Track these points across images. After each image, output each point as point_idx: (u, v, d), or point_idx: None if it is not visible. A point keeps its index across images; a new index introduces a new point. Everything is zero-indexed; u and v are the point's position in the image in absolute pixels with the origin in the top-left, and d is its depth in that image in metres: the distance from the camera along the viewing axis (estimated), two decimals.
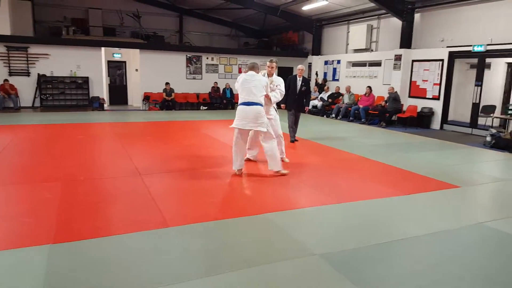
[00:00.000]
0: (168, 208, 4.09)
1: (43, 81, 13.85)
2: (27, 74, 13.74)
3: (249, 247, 3.28)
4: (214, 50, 16.42)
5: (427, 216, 4.14)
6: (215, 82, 15.85)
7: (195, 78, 15.96)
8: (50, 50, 13.86)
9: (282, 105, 7.84)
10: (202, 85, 15.90)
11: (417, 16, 11.67)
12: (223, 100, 15.66)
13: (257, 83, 5.30)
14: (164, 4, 17.52)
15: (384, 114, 11.47)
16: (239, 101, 5.38)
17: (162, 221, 3.72)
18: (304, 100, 8.13)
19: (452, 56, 10.69)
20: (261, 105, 5.29)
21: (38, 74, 13.80)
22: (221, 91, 15.80)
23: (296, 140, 8.34)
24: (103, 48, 14.92)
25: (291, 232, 3.60)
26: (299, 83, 7.97)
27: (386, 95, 11.93)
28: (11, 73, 13.47)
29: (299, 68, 7.99)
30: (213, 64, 16.21)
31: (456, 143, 8.76)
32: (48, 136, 8.58)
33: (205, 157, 6.70)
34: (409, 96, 11.91)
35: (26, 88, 13.74)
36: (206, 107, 15.51)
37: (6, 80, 13.27)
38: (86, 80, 14.42)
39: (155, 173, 5.53)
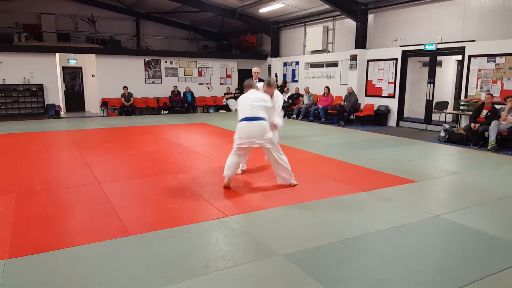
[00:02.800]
0: (128, 216, 4.01)
1: None
2: None
3: (211, 251, 3.27)
4: (173, 54, 16.22)
5: (386, 211, 4.26)
6: (175, 86, 15.66)
7: (154, 82, 15.70)
8: (2, 57, 13.26)
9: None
10: (162, 89, 15.67)
11: (370, 17, 12.08)
12: (184, 104, 15.51)
13: (260, 101, 5.06)
14: (120, 8, 17.11)
15: (342, 113, 11.78)
16: (239, 118, 5.06)
17: (123, 230, 3.66)
18: None
19: (405, 55, 11.17)
20: (265, 119, 4.98)
21: None
22: (181, 95, 15.64)
23: None
24: (57, 54, 14.39)
25: (253, 234, 3.61)
26: None
27: (343, 95, 12.27)
28: None
29: (254, 71, 8.04)
30: (172, 68, 16.01)
31: (412, 139, 9.14)
32: (1, 146, 8.15)
33: (166, 162, 6.63)
34: (366, 95, 12.30)
35: None
36: (167, 111, 15.29)
37: None
38: (40, 87, 13.85)
39: (115, 181, 5.41)
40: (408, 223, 3.89)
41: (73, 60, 15.79)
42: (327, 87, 12.86)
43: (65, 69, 15.83)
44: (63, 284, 2.74)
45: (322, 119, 12.28)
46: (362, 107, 12.09)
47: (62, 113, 14.35)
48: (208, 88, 16.75)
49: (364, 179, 5.60)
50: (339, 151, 7.56)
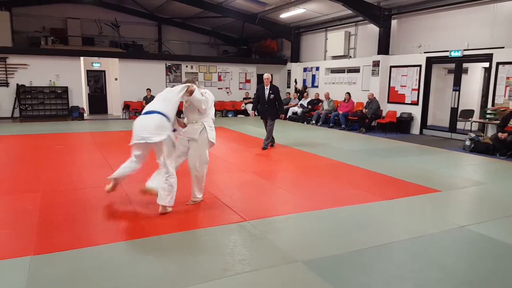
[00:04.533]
0: (149, 217, 4.06)
1: (22, 91, 13.61)
2: (6, 84, 13.47)
3: (230, 255, 3.25)
4: (193, 59, 16.38)
5: (408, 221, 4.14)
6: None
7: (174, 86, 15.83)
8: (29, 60, 13.64)
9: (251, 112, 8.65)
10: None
11: (394, 22, 11.91)
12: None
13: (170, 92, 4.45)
14: (143, 13, 17.43)
15: (363, 120, 11.62)
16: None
17: (143, 231, 3.71)
18: (278, 107, 8.29)
19: (430, 61, 10.93)
20: (164, 115, 4.21)
21: (17, 84, 13.55)
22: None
23: (272, 146, 8.46)
24: (82, 58, 14.73)
25: (272, 239, 3.57)
26: (267, 91, 8.14)
27: (365, 101, 12.11)
28: None
29: (265, 78, 8.21)
30: (192, 72, 16.16)
31: (436, 147, 8.90)
32: (27, 146, 8.37)
33: (185, 166, 6.61)
34: (388, 102, 12.10)
35: (4, 99, 13.48)
36: None
37: None
38: (65, 89, 14.21)
39: (135, 182, 5.39)
40: (431, 233, 3.77)
41: (97, 63, 16.13)
42: (348, 93, 12.71)
43: (89, 73, 16.19)
44: (84, 282, 2.78)
45: (342, 126, 12.13)
46: (384, 114, 11.90)
47: (85, 115, 14.66)
48: (227, 93, 16.82)
49: (386, 187, 5.47)
50: (360, 158, 7.43)
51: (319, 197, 4.93)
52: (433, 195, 5.09)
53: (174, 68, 15.83)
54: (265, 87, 8.15)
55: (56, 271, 2.91)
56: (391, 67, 11.93)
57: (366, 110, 11.71)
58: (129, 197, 4.76)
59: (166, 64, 15.69)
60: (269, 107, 8.16)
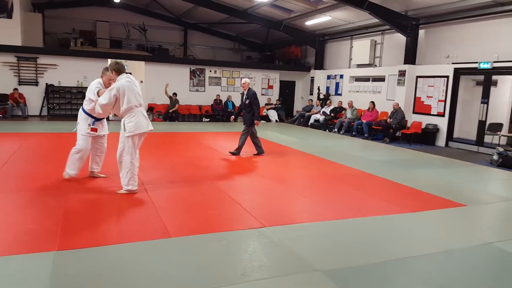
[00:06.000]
0: (170, 219, 4.10)
1: (50, 90, 14.02)
2: (36, 83, 13.91)
3: (249, 260, 3.24)
4: (217, 63, 16.53)
5: (432, 235, 4.02)
6: (218, 95, 15.90)
7: (198, 91, 16.03)
8: (59, 60, 14.05)
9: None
10: (205, 98, 15.96)
11: (421, 32, 11.71)
12: (225, 112, 15.70)
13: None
14: (170, 18, 17.74)
15: (388, 129, 11.42)
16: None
17: (165, 232, 3.73)
18: (253, 113, 7.82)
19: (458, 72, 10.67)
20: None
21: (46, 84, 13.97)
22: (223, 104, 15.86)
23: (258, 154, 7.99)
24: (109, 60, 15.02)
25: (292, 247, 3.52)
26: (244, 97, 8.01)
27: (389, 111, 11.91)
28: (20, 83, 13.67)
29: (241, 82, 8.08)
30: (216, 77, 16.29)
31: (462, 160, 8.64)
32: (54, 144, 8.58)
33: (207, 169, 6.70)
34: (414, 112, 11.87)
35: (34, 97, 13.91)
36: (208, 119, 15.53)
37: (15, 89, 13.49)
38: None
39: (158, 184, 5.54)
40: (456, 249, 3.65)
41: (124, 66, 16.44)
42: (372, 102, 12.54)
43: None
44: (104, 280, 2.82)
45: (366, 135, 11.96)
46: (409, 124, 11.67)
47: (110, 116, 14.90)
48: None
49: (410, 199, 5.33)
50: (383, 169, 7.28)
51: (340, 206, 4.85)
52: (458, 209, 4.94)
53: (198, 72, 16.00)
54: (244, 92, 8.01)
55: (78, 268, 2.97)
56: (417, 77, 11.70)
57: (391, 120, 11.51)
58: (151, 198, 4.80)
59: (190, 68, 15.88)
60: (245, 112, 7.94)
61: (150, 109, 15.23)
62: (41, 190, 4.97)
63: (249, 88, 8.03)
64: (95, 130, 5.34)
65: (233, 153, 7.93)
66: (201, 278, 2.89)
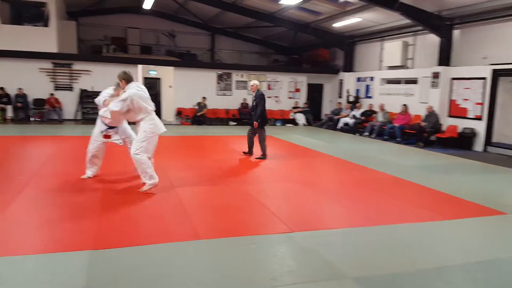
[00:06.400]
0: (199, 221, 4.12)
1: (84, 95, 14.42)
2: (70, 89, 14.38)
3: (278, 265, 3.19)
4: (244, 67, 16.55)
5: (469, 244, 3.79)
6: (244, 99, 15.91)
7: (225, 94, 16.10)
8: (92, 66, 14.47)
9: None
10: (232, 101, 16.00)
11: (456, 32, 11.26)
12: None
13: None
14: (198, 23, 17.96)
15: (421, 133, 11.02)
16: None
17: (194, 233, 3.75)
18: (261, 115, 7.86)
19: (496, 74, 10.16)
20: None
21: (80, 89, 14.41)
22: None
23: (263, 158, 7.83)
24: (140, 66, 15.37)
25: (321, 252, 3.42)
26: (252, 98, 8.05)
27: (423, 114, 11.50)
28: (56, 88, 14.18)
29: (250, 84, 8.13)
30: (242, 81, 16.32)
31: (502, 166, 8.14)
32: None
33: (234, 172, 6.73)
34: (449, 116, 11.40)
35: (69, 102, 14.37)
36: (235, 123, 15.55)
37: (52, 94, 14.00)
38: None
39: (187, 186, 5.61)
40: (496, 259, 3.43)
41: (154, 71, 16.77)
42: (405, 105, 12.15)
43: (145, 80, 16.85)
44: (137, 279, 2.87)
45: (398, 139, 11.58)
46: (444, 128, 11.22)
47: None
48: (277, 101, 16.78)
49: (446, 206, 5.07)
50: (416, 174, 6.99)
51: (371, 213, 4.67)
52: (498, 217, 4.64)
53: (225, 77, 16.09)
54: (252, 95, 8.06)
55: (112, 267, 3.04)
56: (452, 79, 11.25)
57: (425, 124, 11.11)
58: (180, 199, 4.85)
59: (217, 72, 15.98)
60: (253, 114, 7.99)
61: (179, 113, 15.42)
62: (75, 190, 5.12)
63: (258, 89, 8.06)
64: (107, 137, 5.54)
65: (259, 157, 7.91)
66: (230, 282, 2.88)
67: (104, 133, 5.52)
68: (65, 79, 14.30)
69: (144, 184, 5.08)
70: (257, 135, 8.02)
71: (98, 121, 5.65)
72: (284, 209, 4.69)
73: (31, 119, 13.69)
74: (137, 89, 4.96)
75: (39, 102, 13.88)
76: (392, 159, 8.55)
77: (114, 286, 2.76)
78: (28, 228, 3.79)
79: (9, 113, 13.30)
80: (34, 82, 13.77)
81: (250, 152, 8.09)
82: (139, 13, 16.99)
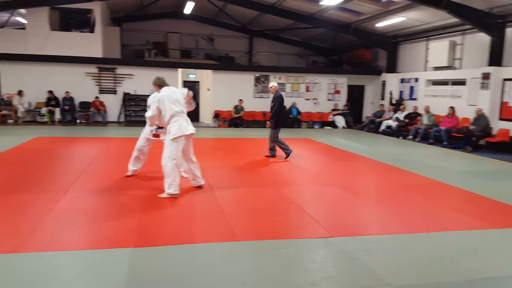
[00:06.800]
0: (237, 222, 4.12)
1: (127, 98, 14.94)
2: (114, 92, 14.94)
3: (318, 270, 3.11)
4: (281, 69, 16.46)
5: None
6: None
7: (262, 97, 16.06)
8: (134, 70, 14.95)
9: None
10: (269, 104, 15.84)
11: (509, 31, 10.55)
12: (288, 119, 15.52)
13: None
14: (236, 26, 18.07)
15: (470, 137, 10.41)
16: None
17: (232, 235, 3.75)
18: (279, 116, 7.90)
19: None
20: None
21: (124, 92, 14.93)
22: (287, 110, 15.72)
23: (273, 156, 7.99)
24: (179, 69, 15.69)
25: (363, 259, 3.28)
26: (271, 100, 8.07)
27: (472, 117, 10.87)
28: (101, 91, 14.78)
29: (269, 86, 8.13)
30: (280, 83, 16.19)
31: None
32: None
33: (272, 175, 6.68)
34: (500, 119, 10.69)
35: (112, 105, 14.94)
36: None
37: (96, 97, 14.61)
38: None
39: (224, 187, 5.64)
40: None
41: (193, 75, 17.08)
42: (452, 107, 11.54)
43: (185, 83, 17.18)
44: (176, 277, 2.91)
45: (444, 143, 11.01)
46: (494, 132, 10.54)
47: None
48: (315, 103, 16.53)
49: (495, 214, 4.74)
50: (464, 180, 6.58)
51: (415, 219, 4.46)
52: None
53: (262, 79, 16.06)
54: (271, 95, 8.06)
55: (152, 264, 3.09)
56: (504, 80, 10.55)
57: (473, 127, 10.49)
58: (218, 200, 4.88)
59: (255, 75, 15.99)
60: (272, 116, 7.99)
61: (216, 115, 15.55)
62: (118, 189, 5.29)
63: (276, 91, 8.06)
64: (156, 136, 5.70)
65: (268, 156, 8.03)
66: (269, 285, 2.84)
67: (153, 132, 5.72)
68: (109, 83, 14.86)
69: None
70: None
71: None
72: (323, 213, 4.57)
73: (77, 121, 14.34)
74: (167, 91, 5.11)
75: (84, 105, 14.52)
76: (438, 164, 8.12)
77: (154, 283, 2.81)
78: (75, 225, 3.93)
79: (57, 115, 13.99)
80: (80, 85, 14.43)
81: (271, 155, 8.09)
82: (179, 17, 17.36)
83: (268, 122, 7.99)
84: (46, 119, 13.78)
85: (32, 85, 13.88)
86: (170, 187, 4.94)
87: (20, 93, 13.61)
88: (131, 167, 6.02)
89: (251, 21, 17.37)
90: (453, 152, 9.99)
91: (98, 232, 3.73)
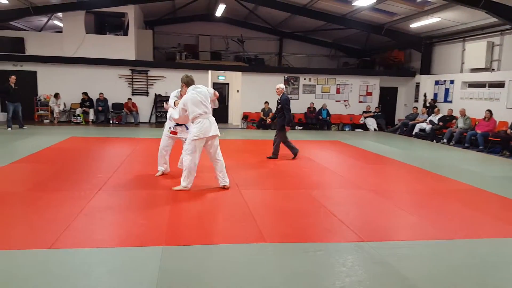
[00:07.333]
0: (265, 224, 4.10)
1: (158, 100, 15.25)
2: (146, 94, 15.32)
3: (347, 274, 3.03)
4: (311, 71, 16.33)
5: None
6: (312, 103, 15.65)
7: (291, 99, 15.90)
8: (166, 73, 15.26)
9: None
10: (299, 106, 15.77)
11: None
12: (318, 120, 15.36)
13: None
14: (266, 28, 18.09)
15: (508, 142, 9.93)
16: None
17: (260, 236, 3.74)
18: (284, 118, 7.83)
19: None
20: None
21: (155, 94, 15.27)
22: (316, 112, 15.55)
23: (271, 158, 8.03)
24: (210, 71, 15.87)
25: (394, 265, 3.18)
26: (277, 102, 8.12)
27: (510, 121, 10.37)
28: (133, 93, 15.20)
29: (276, 88, 8.10)
30: (310, 85, 16.07)
31: None
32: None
33: (300, 177, 6.59)
34: None
35: (144, 106, 15.31)
36: (301, 127, 15.33)
37: (129, 99, 15.04)
38: None
39: (252, 188, 5.64)
40: None
41: (222, 77, 17.23)
42: (489, 111, 11.06)
43: (215, 85, 17.36)
44: (204, 278, 2.92)
45: (481, 147, 10.56)
46: None
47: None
48: (346, 105, 16.28)
49: None
50: (502, 185, 6.29)
51: (449, 225, 4.28)
52: None
53: (292, 81, 15.98)
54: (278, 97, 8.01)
55: (182, 264, 3.13)
56: None
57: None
58: (246, 201, 4.87)
59: (284, 76, 15.93)
60: (278, 117, 8.07)
61: (245, 117, 15.60)
62: (149, 188, 5.41)
63: (283, 93, 8.04)
64: (174, 133, 5.86)
65: (270, 157, 8.04)
66: (296, 287, 2.81)
67: (171, 130, 5.86)
68: (141, 85, 15.24)
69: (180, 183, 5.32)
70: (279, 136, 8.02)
71: (167, 119, 6.03)
72: (353, 217, 4.47)
73: (110, 122, 14.77)
74: (191, 93, 5.13)
75: (117, 106, 14.95)
76: (473, 169, 7.80)
77: (184, 281, 2.84)
78: (107, 223, 4.04)
79: (91, 116, 14.47)
80: (113, 87, 14.88)
81: (294, 154, 8.11)
82: (210, 20, 17.58)
83: (287, 126, 7.94)
84: (80, 119, 14.29)
85: (67, 86, 14.47)
86: (184, 180, 5.18)
87: (56, 95, 14.18)
88: (160, 167, 6.17)
89: (281, 22, 17.33)
90: (490, 157, 9.57)
91: (129, 230, 3.82)
